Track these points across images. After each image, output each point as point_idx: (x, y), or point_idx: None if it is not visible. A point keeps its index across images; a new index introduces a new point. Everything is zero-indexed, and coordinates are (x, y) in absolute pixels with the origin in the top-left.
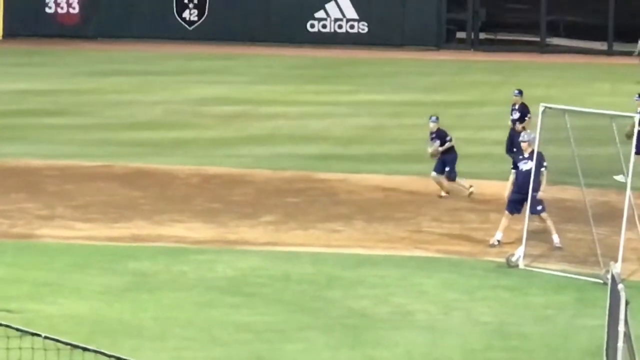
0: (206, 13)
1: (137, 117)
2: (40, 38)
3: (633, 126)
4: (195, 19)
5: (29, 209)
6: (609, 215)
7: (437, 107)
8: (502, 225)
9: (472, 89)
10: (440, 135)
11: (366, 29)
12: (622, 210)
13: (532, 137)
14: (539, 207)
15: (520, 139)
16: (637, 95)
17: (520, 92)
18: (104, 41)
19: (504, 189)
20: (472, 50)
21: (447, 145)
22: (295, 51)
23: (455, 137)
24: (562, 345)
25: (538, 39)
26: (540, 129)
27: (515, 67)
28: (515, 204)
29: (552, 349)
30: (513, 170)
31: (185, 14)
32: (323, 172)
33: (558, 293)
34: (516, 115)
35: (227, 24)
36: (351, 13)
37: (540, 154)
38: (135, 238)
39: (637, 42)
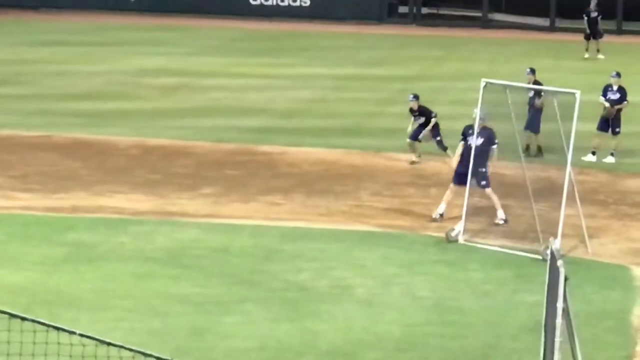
0: None
1: (78, 88)
2: None
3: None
4: None
5: None
6: (549, 191)
7: (379, 82)
8: (447, 198)
9: (414, 63)
10: (423, 112)
11: (308, 3)
12: (562, 186)
13: (484, 114)
14: (484, 182)
15: (474, 115)
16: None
17: (533, 71)
18: (46, 11)
19: (444, 164)
20: (414, 24)
21: (433, 122)
22: (237, 23)
23: (395, 112)
24: (501, 320)
25: (480, 14)
26: (481, 104)
27: (457, 42)
28: (461, 176)
29: (491, 324)
30: (462, 142)
31: None
32: (264, 145)
33: (497, 268)
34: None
35: None
36: None
37: (491, 131)
38: (75, 209)
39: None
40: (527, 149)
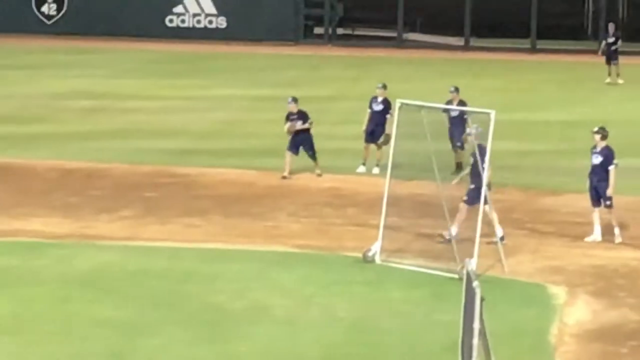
0: (65, 7)
1: None
2: None
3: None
4: (54, 13)
5: None
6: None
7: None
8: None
9: (330, 83)
10: (302, 116)
11: (225, 24)
12: (477, 205)
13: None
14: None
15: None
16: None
17: (457, 89)
18: None
19: (363, 185)
20: (329, 45)
21: (307, 124)
22: (154, 46)
23: (313, 133)
24: (419, 340)
25: (395, 35)
26: (397, 124)
27: (373, 61)
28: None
29: (409, 344)
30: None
31: (44, 8)
32: (181, 167)
33: (414, 288)
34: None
35: (86, 18)
36: (209, 8)
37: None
38: None
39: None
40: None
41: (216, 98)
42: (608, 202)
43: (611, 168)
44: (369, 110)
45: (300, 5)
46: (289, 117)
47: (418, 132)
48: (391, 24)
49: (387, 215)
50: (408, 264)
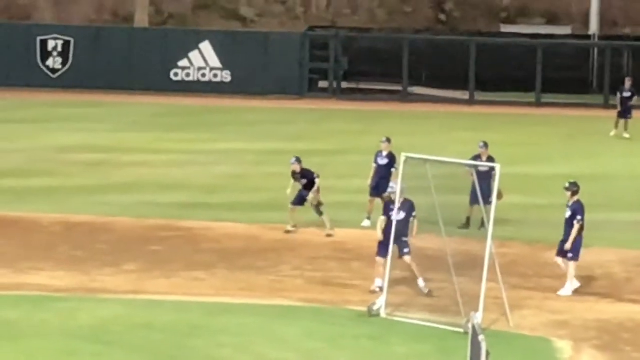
0: (70, 61)
1: (0, 165)
2: None
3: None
4: (59, 66)
5: None
6: (470, 264)
7: (300, 156)
8: (378, 272)
9: (334, 137)
10: (306, 175)
11: (229, 78)
12: (483, 259)
13: (402, 188)
14: (406, 250)
15: (390, 190)
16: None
17: (486, 144)
18: None
19: (365, 238)
20: (334, 98)
21: (317, 183)
22: (159, 99)
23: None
24: None
25: (400, 88)
26: (402, 178)
27: (378, 115)
28: (386, 248)
29: None
30: (383, 218)
31: (49, 62)
32: (186, 220)
33: (419, 342)
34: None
35: (91, 72)
36: (215, 62)
37: (411, 202)
38: None
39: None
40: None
41: (221, 152)
42: (570, 255)
43: (575, 222)
44: (374, 165)
45: (305, 59)
46: (294, 176)
47: (423, 186)
48: (396, 78)
49: (392, 268)
50: (413, 318)
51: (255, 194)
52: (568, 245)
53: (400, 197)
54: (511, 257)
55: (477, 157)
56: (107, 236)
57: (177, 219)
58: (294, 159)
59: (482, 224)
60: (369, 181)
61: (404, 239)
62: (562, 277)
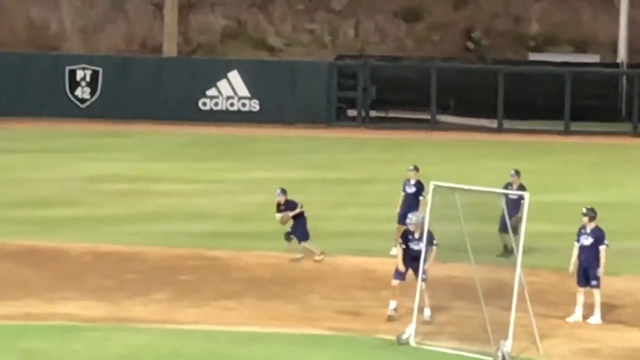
0: (98, 91)
1: (30, 195)
2: None
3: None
4: (88, 96)
5: None
6: (499, 292)
7: (328, 185)
8: (393, 295)
9: (363, 166)
10: (290, 206)
11: (258, 107)
12: (512, 287)
13: (420, 219)
14: (424, 276)
15: (408, 221)
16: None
17: (517, 172)
18: None
19: (394, 266)
20: (363, 127)
21: (297, 211)
22: (187, 129)
23: (346, 215)
24: None
25: (428, 117)
26: (431, 206)
27: (406, 144)
28: (403, 273)
29: None
30: (402, 247)
31: (78, 92)
32: (215, 250)
33: None
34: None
35: (119, 102)
36: (243, 91)
37: (430, 233)
38: (27, 316)
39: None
40: (505, 249)
41: (249, 181)
42: (595, 282)
43: (602, 248)
44: (402, 193)
45: (333, 87)
46: (278, 208)
47: (452, 214)
48: (424, 106)
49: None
50: (443, 346)
51: None
52: (601, 271)
53: (419, 227)
54: (540, 286)
55: (508, 185)
56: (137, 265)
57: (206, 248)
58: (279, 191)
59: (511, 252)
60: (397, 209)
61: (422, 267)
62: (590, 306)
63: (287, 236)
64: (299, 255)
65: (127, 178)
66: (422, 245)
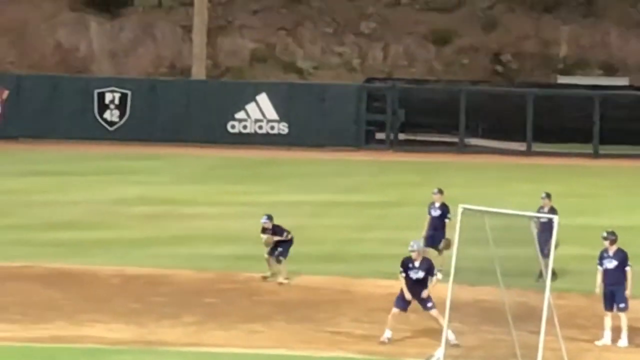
0: (127, 114)
1: (59, 217)
2: None
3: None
4: (117, 119)
5: None
6: (528, 316)
7: (357, 208)
8: (390, 323)
9: (391, 189)
10: (277, 231)
11: (286, 130)
12: (541, 310)
13: (422, 246)
14: (429, 304)
15: (410, 248)
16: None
17: (548, 195)
18: (26, 141)
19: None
20: (391, 150)
21: (282, 237)
22: (216, 151)
23: (374, 238)
24: None
25: (457, 140)
26: (460, 229)
27: (435, 167)
28: (404, 301)
29: None
30: (402, 275)
31: (107, 115)
32: (243, 272)
33: None
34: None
35: (148, 125)
36: (272, 114)
37: (430, 261)
38: (55, 339)
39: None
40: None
41: (278, 204)
42: (622, 305)
43: (628, 269)
44: (428, 216)
45: (362, 110)
46: (263, 233)
47: (481, 237)
48: (453, 129)
49: (450, 320)
50: None
51: (313, 246)
52: (628, 293)
53: (420, 255)
54: (569, 309)
55: (540, 209)
56: (165, 288)
57: (235, 271)
58: (265, 217)
59: (540, 276)
60: (423, 232)
61: (423, 295)
62: (620, 331)
63: (271, 251)
64: (268, 273)
65: (156, 201)
66: (421, 274)
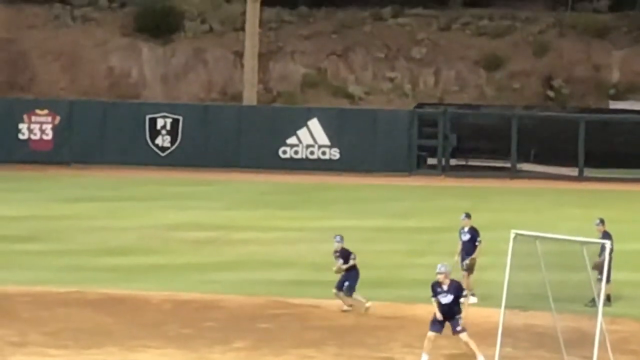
0: (179, 139)
1: (110, 243)
2: (14, 164)
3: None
4: (168, 145)
5: (1, 335)
6: (580, 341)
7: (409, 233)
8: (427, 347)
9: (442, 214)
10: (343, 254)
11: (338, 155)
12: (593, 336)
13: (449, 269)
14: (459, 328)
15: (437, 270)
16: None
17: (602, 221)
18: (77, 167)
19: (477, 316)
20: (443, 175)
21: (350, 263)
22: (267, 177)
23: (425, 263)
24: None
25: (509, 165)
26: (511, 255)
27: (486, 192)
28: (441, 324)
29: None
30: (434, 299)
31: (158, 140)
32: (295, 298)
33: None
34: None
35: (199, 150)
36: (323, 139)
37: (458, 283)
38: None
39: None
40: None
41: (330, 229)
42: None
43: None
44: (459, 241)
45: (414, 136)
46: (335, 254)
47: (533, 263)
48: (504, 155)
49: (502, 345)
50: None
51: (365, 271)
52: None
53: (447, 278)
54: (622, 335)
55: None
56: (216, 314)
57: (287, 297)
58: (338, 238)
59: (592, 301)
60: (455, 257)
61: (457, 316)
62: None
63: (339, 285)
64: (347, 308)
65: (207, 226)
66: (450, 298)
